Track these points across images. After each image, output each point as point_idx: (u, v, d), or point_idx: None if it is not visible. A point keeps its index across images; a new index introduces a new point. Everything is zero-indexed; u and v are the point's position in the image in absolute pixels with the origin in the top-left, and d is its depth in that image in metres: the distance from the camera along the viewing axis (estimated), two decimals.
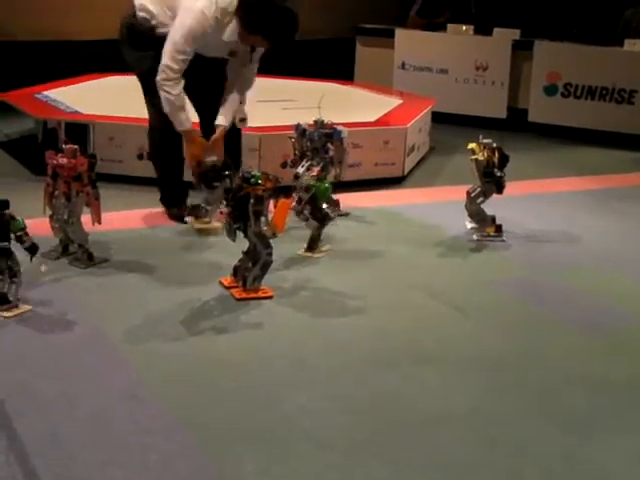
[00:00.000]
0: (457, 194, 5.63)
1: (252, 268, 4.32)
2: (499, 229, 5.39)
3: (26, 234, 4.02)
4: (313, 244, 5.01)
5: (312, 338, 3.91)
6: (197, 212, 5.16)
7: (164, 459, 2.88)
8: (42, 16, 9.82)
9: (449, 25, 10.00)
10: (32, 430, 3.02)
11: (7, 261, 3.99)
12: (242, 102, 5.50)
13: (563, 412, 3.33)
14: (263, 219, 4.25)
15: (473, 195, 5.36)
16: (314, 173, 5.38)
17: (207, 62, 5.22)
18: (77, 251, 4.68)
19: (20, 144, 7.76)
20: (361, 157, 6.65)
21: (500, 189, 5.30)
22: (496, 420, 3.24)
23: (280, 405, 3.28)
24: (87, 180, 4.54)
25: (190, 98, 5.20)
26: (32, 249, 4.03)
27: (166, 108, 5.13)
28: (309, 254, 4.97)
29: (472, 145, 5.33)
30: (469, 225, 5.47)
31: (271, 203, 4.32)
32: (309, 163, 5.46)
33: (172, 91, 5.07)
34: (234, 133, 5.55)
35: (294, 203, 4.98)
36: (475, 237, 5.38)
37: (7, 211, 4.01)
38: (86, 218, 4.63)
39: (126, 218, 5.46)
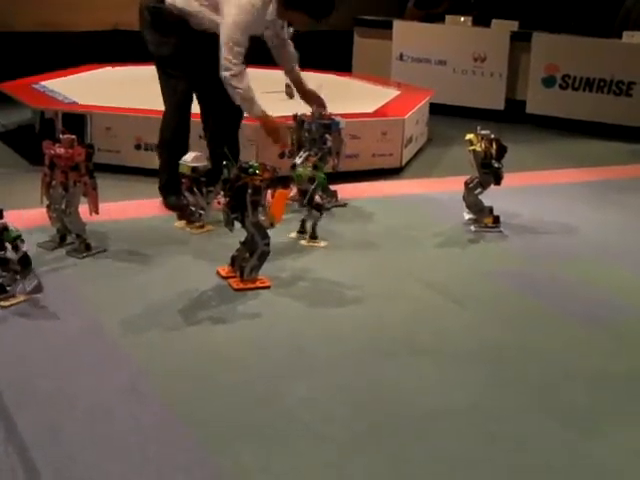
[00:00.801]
0: (455, 185, 5.62)
1: (249, 258, 4.31)
2: (497, 220, 5.39)
3: (22, 241, 3.98)
4: (315, 233, 5.02)
5: (310, 328, 3.91)
6: (190, 216, 5.13)
7: (163, 453, 2.88)
8: (40, 7, 9.80)
9: (447, 16, 9.98)
10: (31, 422, 3.01)
11: (2, 269, 3.98)
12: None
13: (563, 406, 3.32)
14: (261, 209, 4.24)
15: (471, 186, 5.36)
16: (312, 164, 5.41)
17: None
18: (75, 241, 4.68)
19: (17, 134, 7.74)
20: (359, 148, 6.64)
21: (498, 180, 5.30)
22: (495, 414, 3.24)
23: (279, 398, 3.28)
24: (84, 170, 4.54)
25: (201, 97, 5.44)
26: (24, 261, 3.98)
27: (237, 101, 5.25)
28: (313, 244, 4.99)
29: (470, 136, 5.32)
30: (467, 216, 5.47)
31: (269, 193, 4.31)
32: (307, 154, 5.46)
33: (239, 85, 5.15)
34: (233, 123, 5.58)
35: (292, 194, 5.00)
36: (473, 228, 5.38)
37: (1, 220, 3.96)
38: (83, 208, 4.63)
39: (123, 208, 5.45)
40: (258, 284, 4.32)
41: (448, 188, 6.07)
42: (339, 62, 10.01)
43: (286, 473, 2.81)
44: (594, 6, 10.15)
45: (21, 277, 3.99)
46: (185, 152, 5.36)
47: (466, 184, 5.38)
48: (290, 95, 6.83)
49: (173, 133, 5.52)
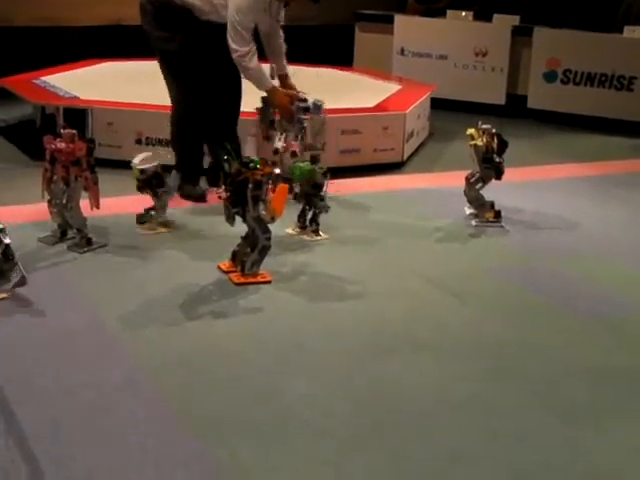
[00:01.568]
0: (456, 180, 5.62)
1: (250, 253, 4.31)
2: (498, 215, 5.39)
3: (4, 234, 3.93)
4: (318, 226, 5.03)
5: (311, 323, 3.90)
6: (143, 218, 5.03)
7: (162, 447, 2.88)
8: (40, 2, 9.81)
9: (448, 11, 9.97)
10: (30, 415, 3.01)
11: None
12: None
13: (563, 402, 3.32)
14: (262, 204, 4.24)
15: (472, 181, 5.36)
16: (294, 148, 5.55)
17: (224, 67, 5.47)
18: (75, 236, 4.68)
19: (18, 130, 7.74)
20: (360, 143, 6.65)
21: (499, 175, 5.30)
22: (496, 410, 3.23)
23: (279, 393, 3.27)
24: (86, 165, 4.54)
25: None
26: (6, 254, 3.91)
27: (248, 79, 5.54)
28: (319, 237, 5.00)
29: (471, 131, 5.32)
30: (468, 211, 5.46)
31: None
32: (284, 136, 5.57)
33: (250, 64, 5.40)
34: (230, 118, 5.70)
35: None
36: (474, 223, 5.37)
37: None
38: (84, 203, 4.62)
39: (124, 203, 5.44)
40: (259, 279, 4.32)
41: (449, 183, 6.07)
42: (340, 56, 10.01)
43: (285, 469, 2.81)
44: (595, 1, 10.14)
45: (5, 270, 3.93)
46: (200, 146, 5.64)
47: (467, 179, 5.38)
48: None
49: (184, 127, 5.65)
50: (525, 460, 2.91)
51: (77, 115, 6.49)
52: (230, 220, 4.27)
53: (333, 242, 4.98)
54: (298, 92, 5.77)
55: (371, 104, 7.19)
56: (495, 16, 9.60)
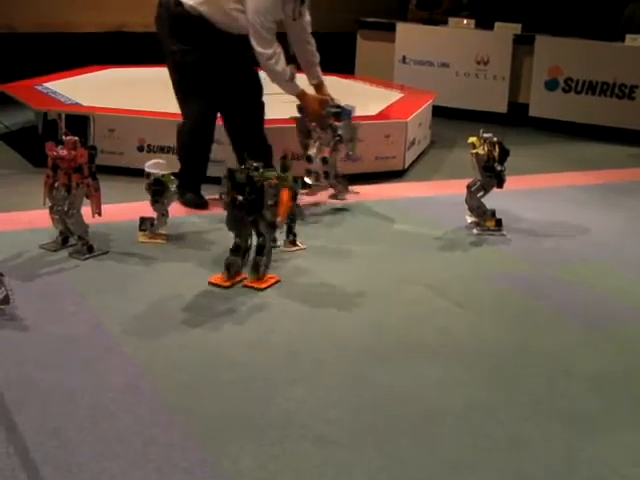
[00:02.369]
0: (457, 188, 5.63)
1: (261, 257, 4.35)
2: (499, 223, 5.39)
3: None
4: (295, 237, 4.99)
5: (310, 330, 3.91)
6: (143, 226, 4.98)
7: (163, 453, 2.88)
8: (42, 8, 9.83)
9: (450, 19, 9.99)
10: (32, 422, 3.02)
11: None
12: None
13: (563, 408, 3.32)
14: (272, 209, 4.30)
15: (473, 189, 5.36)
16: (326, 154, 5.46)
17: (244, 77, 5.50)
18: (77, 243, 4.68)
19: (20, 136, 7.75)
20: (362, 150, 6.62)
21: (500, 183, 5.30)
22: (495, 416, 3.23)
23: (278, 399, 3.28)
24: (87, 172, 4.54)
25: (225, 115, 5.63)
26: None
27: (277, 82, 5.49)
28: (296, 247, 4.96)
29: (472, 139, 5.32)
30: (469, 219, 5.47)
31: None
32: (318, 143, 5.51)
33: (277, 67, 5.37)
34: (255, 125, 5.76)
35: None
36: (475, 231, 5.38)
37: None
38: (86, 210, 4.63)
39: (126, 210, 5.45)
40: (272, 280, 4.39)
41: (450, 191, 6.07)
42: (342, 64, 10.02)
43: (284, 473, 2.82)
44: (597, 9, 10.15)
45: None
46: (206, 157, 5.63)
47: (468, 187, 5.38)
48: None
49: (196, 138, 5.66)
50: (525, 467, 2.91)
51: (79, 121, 6.50)
52: (239, 228, 4.29)
53: (332, 249, 4.99)
54: (332, 99, 5.73)
55: (373, 112, 7.20)
56: (497, 24, 9.60)
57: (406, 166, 7.11)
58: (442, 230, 5.43)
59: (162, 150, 6.43)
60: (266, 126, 5.81)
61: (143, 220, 4.97)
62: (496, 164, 5.26)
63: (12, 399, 3.16)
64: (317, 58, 5.81)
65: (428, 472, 2.87)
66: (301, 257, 4.83)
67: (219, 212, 4.37)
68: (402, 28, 10.11)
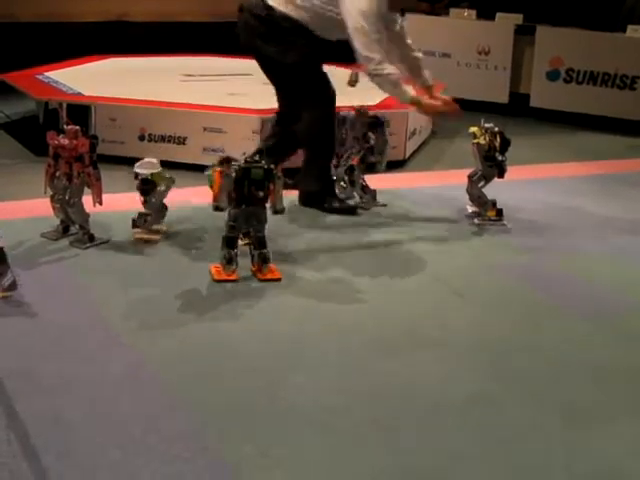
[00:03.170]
0: (458, 178, 5.63)
1: (267, 250, 4.35)
2: (500, 213, 5.39)
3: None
4: None
5: (312, 321, 3.91)
6: (137, 222, 4.85)
7: (164, 441, 2.89)
8: None
9: (451, 9, 9.96)
10: (32, 410, 3.03)
11: None
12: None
13: (563, 400, 3.32)
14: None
15: (474, 179, 5.36)
16: (354, 162, 5.40)
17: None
18: (78, 232, 4.68)
19: (21, 125, 7.74)
20: None
21: (502, 173, 5.30)
22: (496, 409, 3.24)
23: (280, 388, 3.29)
24: (88, 161, 4.54)
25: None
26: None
27: (386, 90, 5.26)
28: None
29: (473, 129, 5.33)
30: (470, 209, 5.47)
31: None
32: (349, 152, 5.46)
33: (384, 71, 5.11)
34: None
35: None
36: (476, 221, 5.38)
37: None
38: (87, 199, 4.63)
39: (127, 199, 5.43)
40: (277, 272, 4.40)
41: (451, 181, 6.07)
42: (344, 54, 9.98)
43: (286, 463, 2.82)
44: (598, 0, 10.12)
45: None
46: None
47: (469, 177, 5.38)
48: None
49: (327, 128, 5.44)
50: (525, 459, 2.92)
51: (80, 111, 6.50)
52: (250, 224, 4.32)
53: (334, 239, 4.99)
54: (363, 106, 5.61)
55: (373, 102, 7.18)
56: (498, 15, 9.58)
57: (407, 156, 7.10)
58: (442, 220, 5.43)
59: (163, 140, 6.44)
60: (269, 115, 5.81)
61: (139, 216, 4.85)
62: (497, 154, 5.27)
63: (12, 387, 3.17)
64: (421, 60, 5.61)
65: (430, 463, 2.87)
66: (302, 249, 4.83)
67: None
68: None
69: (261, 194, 4.27)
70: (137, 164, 4.81)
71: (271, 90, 5.72)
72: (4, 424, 2.93)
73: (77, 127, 4.58)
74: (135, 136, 6.49)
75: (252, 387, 3.29)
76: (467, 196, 5.44)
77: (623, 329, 4.03)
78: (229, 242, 4.32)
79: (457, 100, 5.63)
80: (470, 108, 8.82)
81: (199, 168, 6.01)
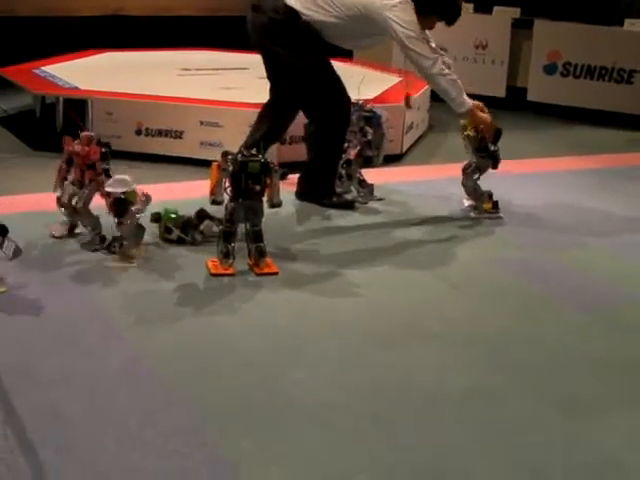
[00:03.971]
0: (455, 171, 5.62)
1: (260, 243, 4.35)
2: (496, 205, 5.39)
3: None
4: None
5: (310, 315, 3.92)
6: (112, 248, 4.45)
7: (163, 436, 2.89)
8: None
9: None
10: (30, 405, 3.03)
11: None
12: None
13: (562, 393, 3.33)
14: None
15: (469, 171, 5.36)
16: (351, 156, 5.39)
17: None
18: (87, 233, 4.59)
19: (18, 120, 7.74)
20: None
21: (495, 164, 5.29)
22: (495, 402, 3.25)
23: (279, 383, 3.29)
24: (100, 170, 4.45)
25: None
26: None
27: (452, 94, 5.18)
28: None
29: (463, 122, 5.32)
30: (466, 202, 5.47)
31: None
32: (346, 145, 5.45)
33: (444, 71, 5.17)
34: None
35: None
36: (472, 214, 5.38)
37: None
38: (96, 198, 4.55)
39: None
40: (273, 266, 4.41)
41: (448, 174, 6.06)
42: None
43: (285, 457, 2.83)
44: None
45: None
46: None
47: (464, 170, 5.38)
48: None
49: (341, 128, 5.44)
50: (524, 452, 2.93)
51: (77, 105, 6.49)
52: (248, 217, 4.32)
53: (332, 234, 4.99)
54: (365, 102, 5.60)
55: (370, 96, 7.17)
56: (495, 8, 9.57)
57: (404, 150, 7.10)
58: (439, 213, 5.43)
59: (160, 134, 6.44)
60: None
61: (112, 240, 4.45)
62: (490, 144, 5.26)
63: (10, 382, 3.17)
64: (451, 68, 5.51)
65: (429, 457, 2.88)
66: (299, 243, 4.83)
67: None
68: None
69: (258, 188, 4.27)
70: (108, 182, 4.35)
71: (268, 84, 5.71)
72: (1, 419, 2.93)
73: (91, 134, 4.54)
74: (132, 130, 6.48)
75: (251, 382, 3.29)
76: (463, 189, 5.43)
77: (620, 321, 4.03)
78: (226, 236, 4.32)
79: None
80: None
81: (196, 162, 6.05)
